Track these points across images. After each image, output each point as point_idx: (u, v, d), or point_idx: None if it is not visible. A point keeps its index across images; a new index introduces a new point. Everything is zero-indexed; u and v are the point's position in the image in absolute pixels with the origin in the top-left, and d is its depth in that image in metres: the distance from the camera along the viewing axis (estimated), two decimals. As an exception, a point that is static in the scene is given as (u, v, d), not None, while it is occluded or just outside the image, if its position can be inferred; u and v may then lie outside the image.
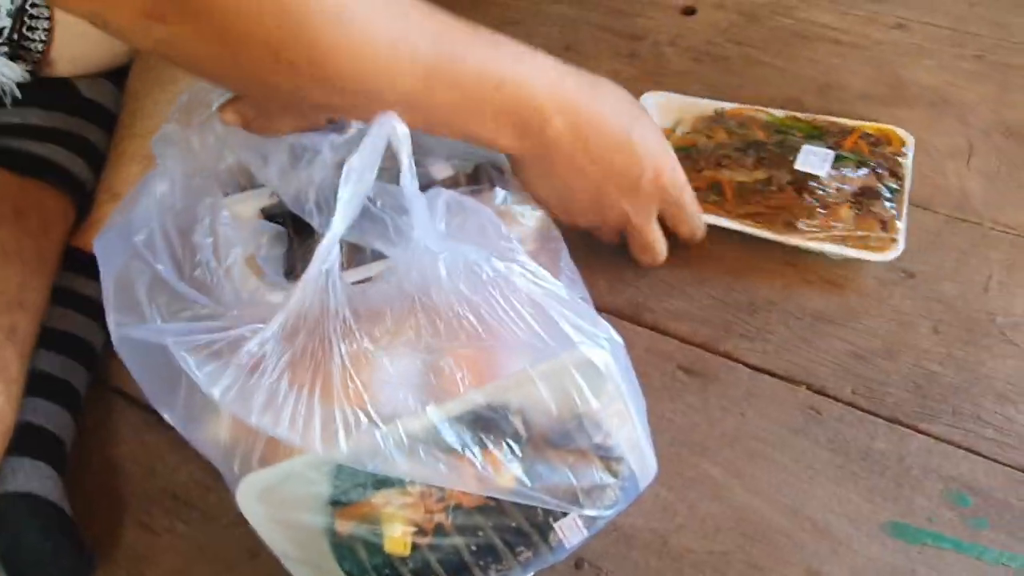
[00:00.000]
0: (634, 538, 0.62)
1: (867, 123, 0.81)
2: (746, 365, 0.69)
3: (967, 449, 0.64)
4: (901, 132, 0.80)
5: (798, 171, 0.76)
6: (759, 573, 0.59)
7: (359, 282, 0.52)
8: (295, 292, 0.46)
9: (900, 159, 0.78)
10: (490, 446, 0.51)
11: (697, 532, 0.61)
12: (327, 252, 0.46)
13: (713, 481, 0.64)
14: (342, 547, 0.55)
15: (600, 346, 0.52)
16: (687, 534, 0.61)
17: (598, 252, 0.74)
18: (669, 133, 0.83)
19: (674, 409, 0.68)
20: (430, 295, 0.45)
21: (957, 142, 0.82)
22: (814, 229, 0.73)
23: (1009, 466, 0.63)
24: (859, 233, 0.73)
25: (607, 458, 0.55)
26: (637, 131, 0.64)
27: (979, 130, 0.83)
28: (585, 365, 0.51)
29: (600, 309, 0.56)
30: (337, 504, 0.51)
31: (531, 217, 0.62)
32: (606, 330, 0.53)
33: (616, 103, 0.64)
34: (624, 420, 0.54)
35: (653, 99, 0.85)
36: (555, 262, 0.59)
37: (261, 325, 0.46)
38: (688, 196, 0.70)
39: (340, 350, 0.46)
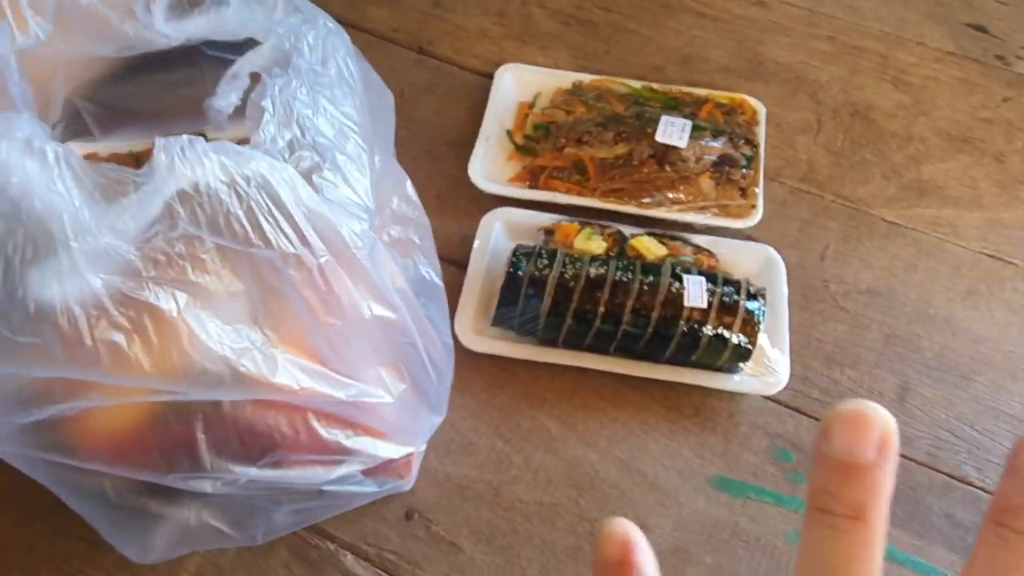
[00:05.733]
0: (467, 489, 0.61)
1: (720, 92, 0.82)
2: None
3: (794, 408, 0.66)
4: (752, 101, 0.81)
5: (658, 143, 0.76)
6: (587, 524, 0.60)
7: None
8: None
9: (754, 128, 0.80)
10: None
11: (530, 484, 0.61)
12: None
13: (549, 434, 0.64)
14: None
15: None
16: (520, 485, 0.61)
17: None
18: (528, 109, 0.82)
19: (517, 364, 0.67)
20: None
21: (807, 118, 0.85)
22: (677, 201, 0.74)
23: (831, 425, 0.65)
24: (721, 202, 0.74)
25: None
26: None
27: (828, 108, 0.86)
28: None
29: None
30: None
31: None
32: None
33: None
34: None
35: (511, 72, 0.84)
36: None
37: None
38: None
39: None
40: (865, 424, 0.25)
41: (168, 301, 0.42)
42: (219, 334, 0.44)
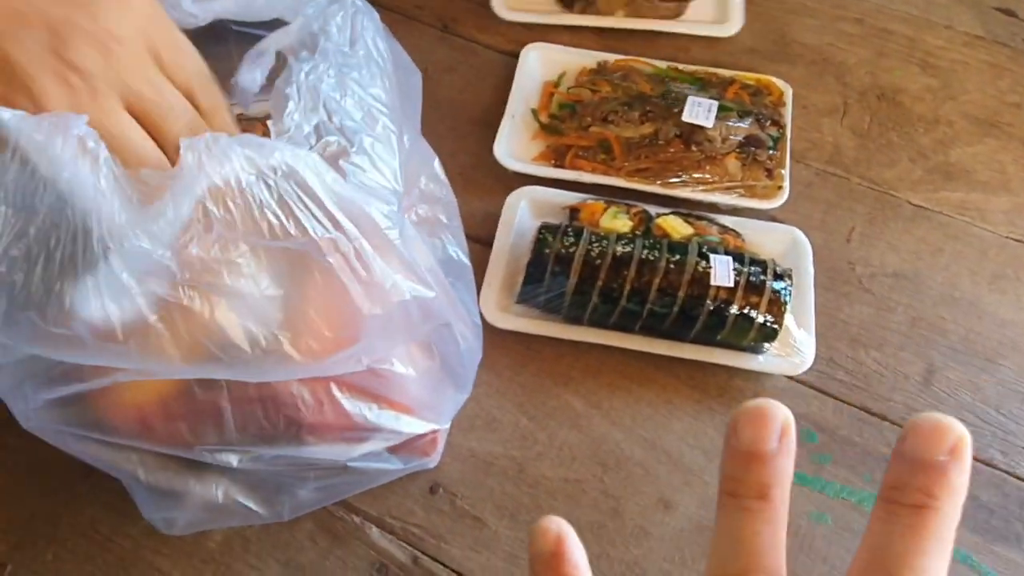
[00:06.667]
0: (492, 465, 0.61)
1: (746, 74, 0.82)
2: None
3: (818, 389, 0.65)
4: (779, 82, 0.81)
5: (685, 123, 0.76)
6: (612, 501, 0.60)
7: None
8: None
9: (781, 109, 0.80)
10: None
11: (554, 460, 0.61)
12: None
13: (574, 411, 0.64)
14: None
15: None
16: (544, 462, 0.61)
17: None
18: (553, 88, 0.82)
19: (542, 341, 0.67)
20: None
21: (834, 100, 0.84)
22: (703, 181, 0.74)
23: (855, 406, 0.65)
24: (747, 183, 0.74)
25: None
26: None
27: (855, 91, 0.85)
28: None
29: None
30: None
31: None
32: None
33: None
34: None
35: (536, 52, 0.84)
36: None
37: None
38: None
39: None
40: (767, 418, 0.28)
41: (203, 304, 0.42)
42: (251, 334, 0.44)
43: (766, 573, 0.28)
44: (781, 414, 0.28)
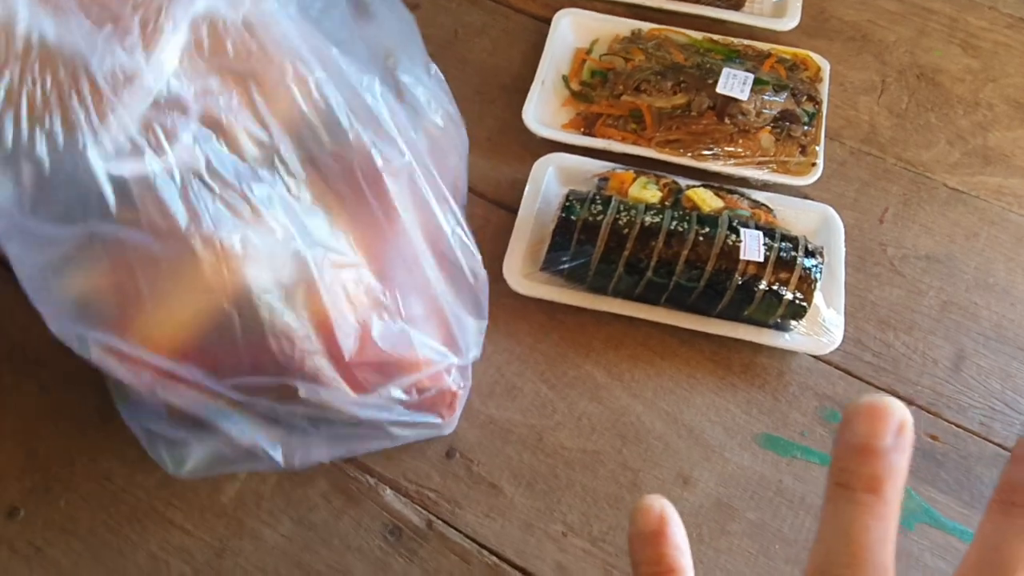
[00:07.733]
0: (510, 432, 0.60)
1: (783, 48, 0.80)
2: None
3: (845, 370, 0.64)
4: (816, 58, 0.79)
5: (719, 95, 0.74)
6: (630, 473, 0.59)
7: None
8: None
9: (817, 85, 0.78)
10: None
11: (573, 430, 0.61)
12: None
13: (594, 382, 0.63)
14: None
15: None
16: (563, 432, 0.61)
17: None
18: (585, 55, 0.80)
19: (565, 310, 0.66)
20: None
21: (872, 78, 0.82)
22: (735, 155, 0.72)
23: (882, 389, 0.64)
24: (780, 158, 0.72)
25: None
26: None
27: (894, 69, 0.83)
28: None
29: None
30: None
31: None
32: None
33: None
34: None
35: (569, 17, 0.82)
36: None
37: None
38: None
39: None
40: (884, 415, 0.27)
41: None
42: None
43: (874, 569, 0.27)
44: (899, 413, 0.27)
